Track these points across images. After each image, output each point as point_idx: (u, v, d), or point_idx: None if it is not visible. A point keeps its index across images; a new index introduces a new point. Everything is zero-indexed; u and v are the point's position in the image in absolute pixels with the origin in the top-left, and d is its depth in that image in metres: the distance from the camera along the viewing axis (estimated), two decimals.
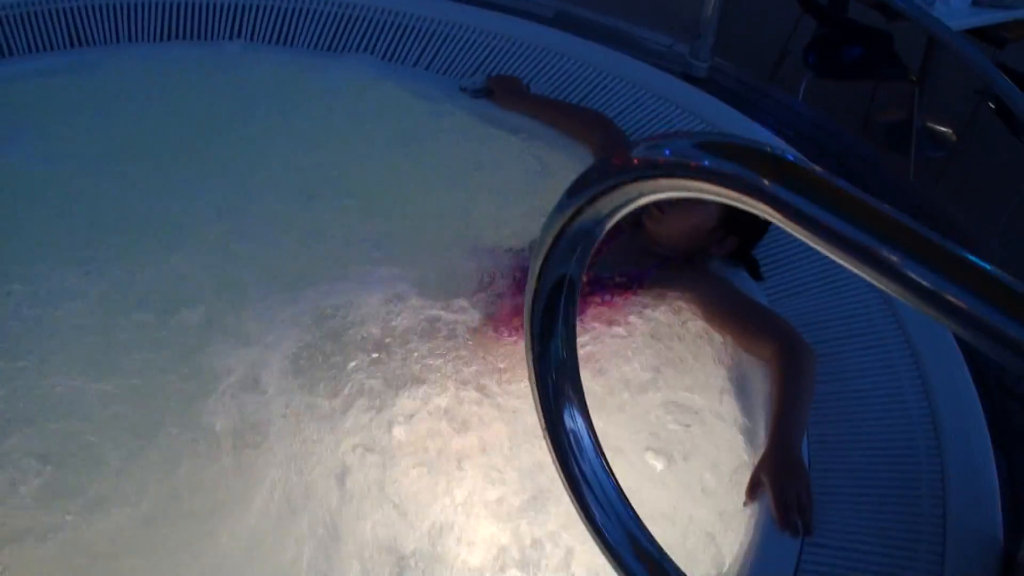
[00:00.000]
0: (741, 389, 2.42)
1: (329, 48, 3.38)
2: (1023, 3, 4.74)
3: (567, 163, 3.00)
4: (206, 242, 2.74)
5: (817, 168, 0.95)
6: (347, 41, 3.38)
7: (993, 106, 4.71)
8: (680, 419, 2.38)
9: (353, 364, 2.45)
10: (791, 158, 0.96)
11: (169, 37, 3.35)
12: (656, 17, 3.74)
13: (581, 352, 2.46)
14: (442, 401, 2.41)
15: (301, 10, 3.47)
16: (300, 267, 2.69)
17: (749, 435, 2.30)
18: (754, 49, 3.36)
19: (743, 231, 2.61)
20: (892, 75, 5.13)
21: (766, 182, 0.93)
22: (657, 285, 2.58)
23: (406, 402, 2.40)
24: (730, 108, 3.21)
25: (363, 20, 3.46)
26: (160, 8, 3.40)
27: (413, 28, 3.46)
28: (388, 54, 3.37)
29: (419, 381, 2.43)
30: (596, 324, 2.54)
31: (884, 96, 5.55)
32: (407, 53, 3.37)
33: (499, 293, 2.67)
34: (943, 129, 5.57)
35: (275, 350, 2.48)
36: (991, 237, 4.64)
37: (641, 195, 1.14)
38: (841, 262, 0.88)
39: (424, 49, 3.39)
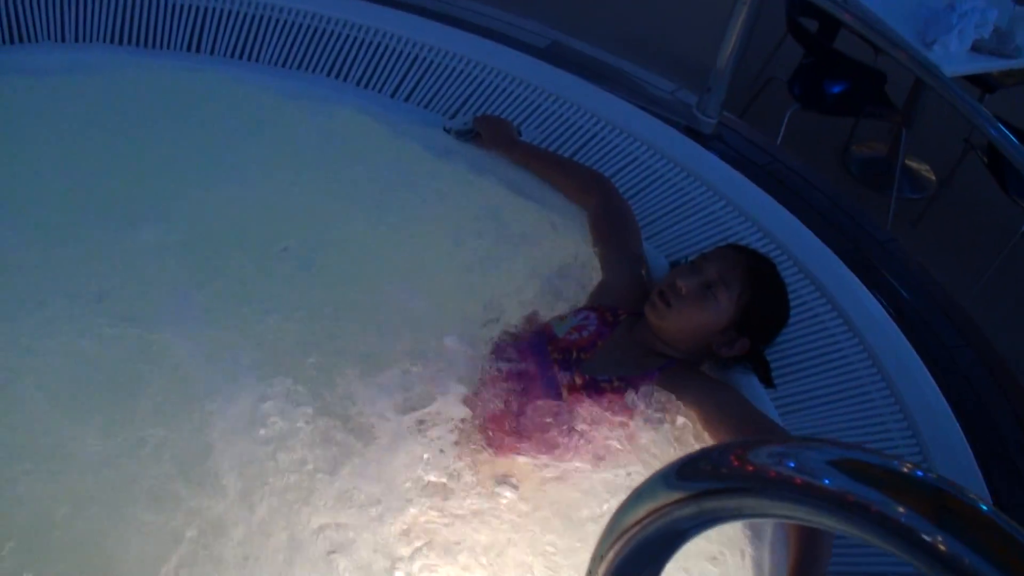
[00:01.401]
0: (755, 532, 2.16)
1: (292, 66, 3.01)
2: (1022, 52, 4.51)
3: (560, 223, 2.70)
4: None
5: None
6: (314, 62, 3.02)
7: (985, 160, 4.50)
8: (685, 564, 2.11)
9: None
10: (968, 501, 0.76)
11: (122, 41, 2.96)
12: (658, 55, 3.47)
13: (568, 467, 2.22)
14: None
15: (259, 19, 3.10)
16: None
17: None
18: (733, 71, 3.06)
19: (756, 332, 2.34)
20: (879, 114, 4.91)
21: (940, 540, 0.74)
22: (658, 392, 2.29)
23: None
24: (738, 174, 2.94)
25: (331, 38, 3.09)
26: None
27: (390, 51, 3.10)
28: (362, 80, 3.01)
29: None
30: (590, 438, 2.25)
31: (865, 129, 5.33)
32: (383, 81, 3.02)
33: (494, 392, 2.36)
34: (924, 171, 5.36)
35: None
36: (967, 294, 4.46)
37: (741, 511, 0.92)
38: None
39: (403, 77, 3.04)
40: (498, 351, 2.40)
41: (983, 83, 4.93)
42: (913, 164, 5.34)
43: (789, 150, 4.38)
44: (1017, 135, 4.29)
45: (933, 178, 5.34)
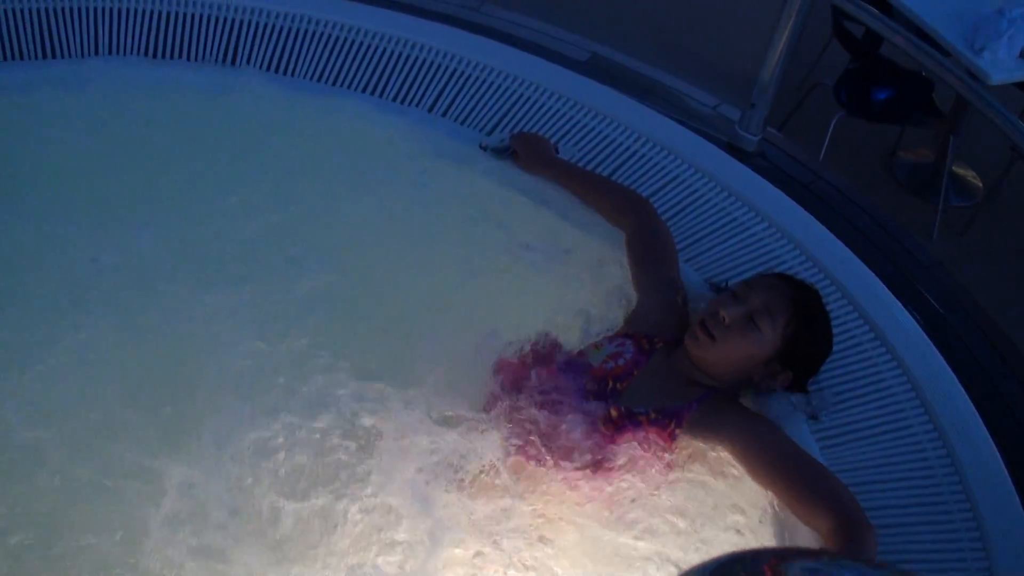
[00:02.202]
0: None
1: (329, 81, 2.97)
2: None
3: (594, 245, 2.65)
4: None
5: None
6: (348, 77, 2.98)
7: None
8: None
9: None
10: None
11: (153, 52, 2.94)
12: (701, 67, 3.40)
13: (602, 507, 2.17)
14: None
15: (296, 32, 3.06)
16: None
17: None
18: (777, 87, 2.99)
19: (800, 365, 2.28)
20: (926, 122, 4.80)
21: None
22: (699, 425, 2.24)
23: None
24: (780, 192, 2.87)
25: (366, 52, 3.05)
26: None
27: (427, 64, 3.06)
28: (398, 95, 2.97)
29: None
30: (627, 473, 2.21)
31: (912, 135, 5.23)
32: (419, 95, 2.98)
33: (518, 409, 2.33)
34: (971, 178, 5.26)
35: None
36: (1014, 306, 4.37)
37: None
38: None
39: (441, 92, 2.99)
40: (531, 377, 2.36)
41: None
42: (960, 171, 5.24)
43: (833, 165, 4.32)
44: None
45: (980, 185, 5.23)
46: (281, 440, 2.17)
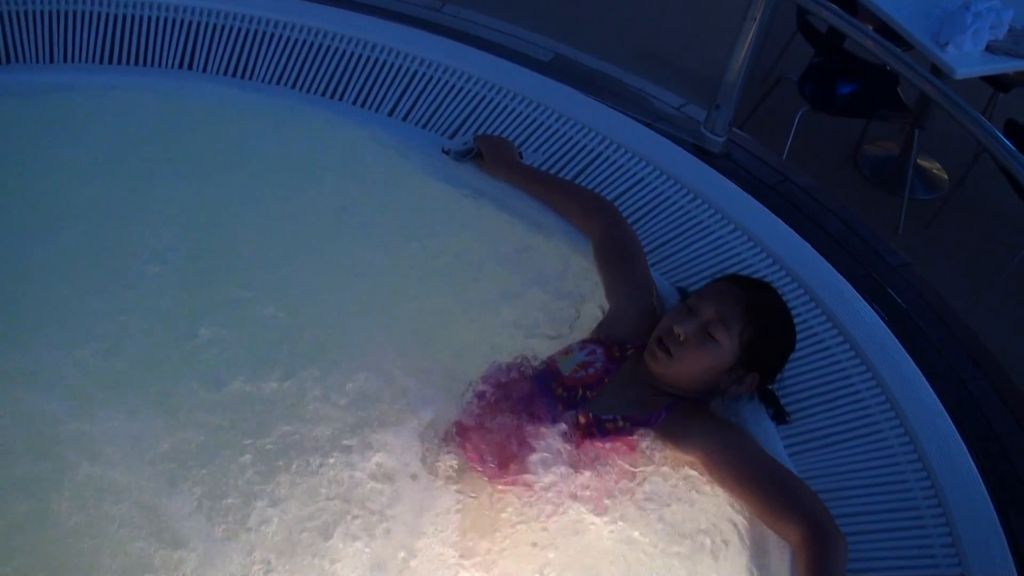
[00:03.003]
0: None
1: (288, 84, 2.92)
2: None
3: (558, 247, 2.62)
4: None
5: None
6: (309, 79, 2.92)
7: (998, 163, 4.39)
8: None
9: None
10: None
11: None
12: (666, 67, 3.37)
13: (572, 516, 2.14)
14: None
15: (254, 35, 3.00)
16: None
17: None
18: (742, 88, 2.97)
19: (763, 366, 2.25)
20: (891, 116, 4.80)
21: None
22: (667, 433, 2.21)
23: None
24: (746, 195, 2.84)
25: (325, 54, 2.99)
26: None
27: (387, 66, 3.00)
28: (359, 98, 2.92)
29: None
30: (591, 485, 2.18)
31: (878, 128, 5.22)
32: (380, 99, 2.93)
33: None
34: (936, 171, 5.26)
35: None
36: (979, 300, 4.38)
37: None
38: None
39: (402, 95, 2.94)
40: (500, 387, 2.33)
41: (998, 82, 4.81)
42: (926, 164, 5.24)
43: (798, 160, 4.31)
44: None
45: (946, 178, 5.23)
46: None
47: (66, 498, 2.04)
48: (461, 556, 2.08)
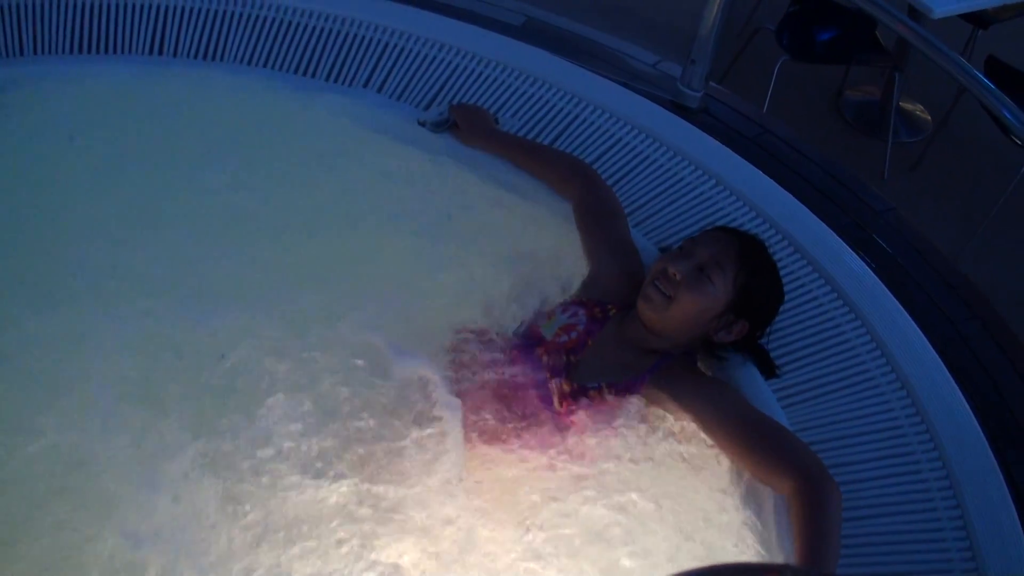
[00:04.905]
0: (762, 529, 2.08)
1: (256, 63, 2.88)
2: None
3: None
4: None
5: None
6: (281, 58, 2.89)
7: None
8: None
9: None
10: None
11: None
12: (640, 27, 3.33)
13: (564, 485, 2.13)
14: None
15: (219, 14, 2.95)
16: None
17: None
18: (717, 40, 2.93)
19: (754, 313, 2.24)
20: (870, 60, 4.77)
21: None
22: (654, 395, 2.21)
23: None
24: (725, 148, 2.82)
25: (296, 29, 2.95)
26: None
27: (358, 39, 2.97)
28: (329, 74, 2.88)
29: None
30: (582, 447, 2.17)
31: (858, 73, 5.19)
32: (352, 72, 2.89)
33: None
34: (919, 112, 5.23)
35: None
36: (968, 240, 4.36)
37: None
38: None
39: (374, 67, 2.91)
40: (484, 351, 2.32)
41: (978, 19, 4.78)
42: (908, 106, 5.21)
43: (780, 110, 4.29)
44: (1009, 73, 4.19)
45: (929, 119, 5.21)
46: None
47: None
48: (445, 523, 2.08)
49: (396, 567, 2.00)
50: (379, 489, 2.10)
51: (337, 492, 2.08)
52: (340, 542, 2.01)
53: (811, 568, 1.82)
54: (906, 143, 5.04)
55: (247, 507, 2.03)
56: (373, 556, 2.01)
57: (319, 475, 2.11)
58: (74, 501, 2.03)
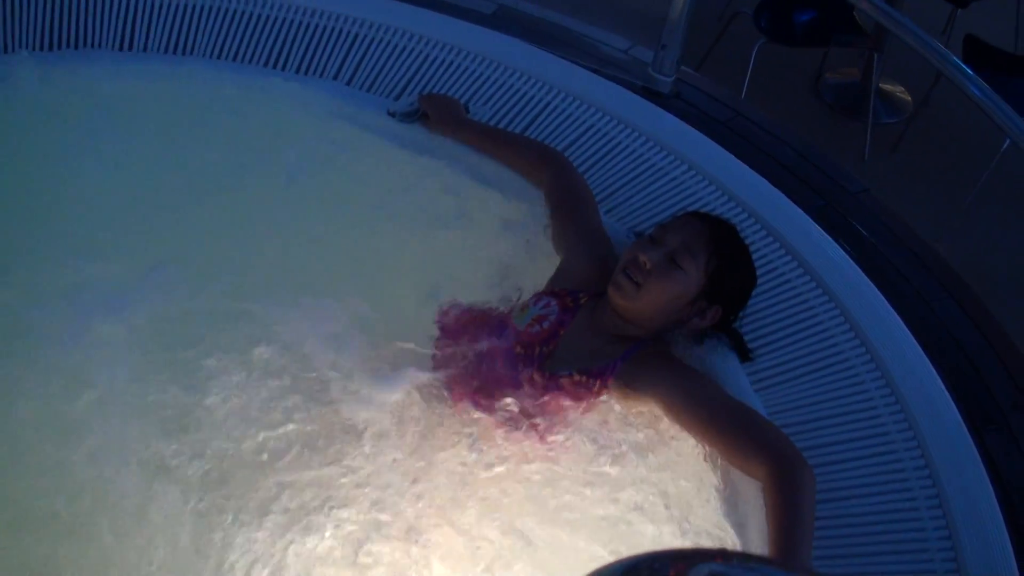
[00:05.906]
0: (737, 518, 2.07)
1: (232, 57, 2.86)
2: None
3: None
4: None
5: None
6: (251, 52, 2.87)
7: None
8: None
9: None
10: None
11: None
12: (611, 12, 3.32)
13: (536, 478, 2.12)
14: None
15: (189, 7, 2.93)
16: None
17: None
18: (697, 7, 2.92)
19: (727, 298, 2.22)
20: (848, 42, 4.76)
21: None
22: (625, 383, 2.19)
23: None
24: (699, 133, 2.81)
25: (265, 22, 2.93)
26: None
27: (328, 31, 2.95)
28: (299, 66, 2.87)
29: None
30: (553, 438, 2.16)
31: (837, 55, 5.18)
32: (322, 64, 2.87)
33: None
34: (899, 93, 5.23)
35: None
36: (951, 221, 4.36)
37: None
38: None
39: (344, 59, 2.89)
40: (456, 339, 2.31)
41: None
42: (888, 87, 5.21)
43: (759, 94, 4.27)
44: (987, 51, 4.19)
45: (909, 100, 5.20)
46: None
47: None
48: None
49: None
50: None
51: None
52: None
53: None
54: (887, 124, 5.04)
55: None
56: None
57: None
58: None
